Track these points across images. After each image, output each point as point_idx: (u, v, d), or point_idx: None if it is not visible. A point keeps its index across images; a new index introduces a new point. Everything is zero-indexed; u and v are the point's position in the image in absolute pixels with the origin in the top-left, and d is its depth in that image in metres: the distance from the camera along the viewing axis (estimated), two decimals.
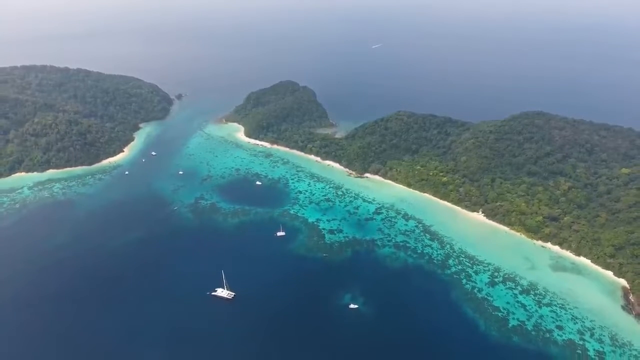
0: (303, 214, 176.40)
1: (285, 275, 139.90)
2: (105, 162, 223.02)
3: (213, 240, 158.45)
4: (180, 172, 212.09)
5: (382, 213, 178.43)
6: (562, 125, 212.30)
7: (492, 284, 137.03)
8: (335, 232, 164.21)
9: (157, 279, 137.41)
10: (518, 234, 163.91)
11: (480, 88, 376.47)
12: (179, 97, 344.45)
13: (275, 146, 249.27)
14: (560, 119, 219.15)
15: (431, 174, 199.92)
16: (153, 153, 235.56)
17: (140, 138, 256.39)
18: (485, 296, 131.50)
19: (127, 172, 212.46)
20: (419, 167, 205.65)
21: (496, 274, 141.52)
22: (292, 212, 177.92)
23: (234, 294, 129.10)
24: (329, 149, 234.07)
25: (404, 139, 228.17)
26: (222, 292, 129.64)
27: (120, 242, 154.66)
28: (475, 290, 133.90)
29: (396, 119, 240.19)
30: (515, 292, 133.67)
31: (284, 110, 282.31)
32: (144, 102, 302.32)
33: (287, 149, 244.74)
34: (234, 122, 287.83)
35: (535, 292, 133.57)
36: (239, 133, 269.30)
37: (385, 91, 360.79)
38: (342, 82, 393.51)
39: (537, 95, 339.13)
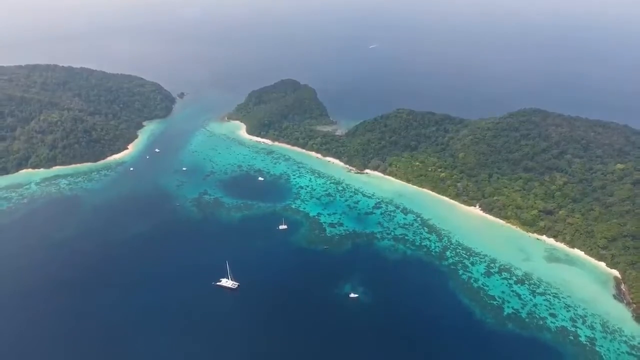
0: (304, 208, 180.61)
1: (287, 267, 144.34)
2: (110, 158, 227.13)
3: (217, 233, 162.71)
4: (184, 169, 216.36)
5: (381, 207, 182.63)
6: (558, 122, 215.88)
7: (488, 274, 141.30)
8: (336, 225, 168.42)
9: (163, 270, 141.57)
10: (514, 227, 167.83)
11: (478, 87, 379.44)
12: (181, 95, 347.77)
13: (276, 143, 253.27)
14: (556, 116, 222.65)
15: (430, 169, 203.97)
16: (157, 150, 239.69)
17: (143, 136, 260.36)
18: (481, 286, 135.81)
19: (131, 169, 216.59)
20: (417, 163, 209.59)
21: (492, 265, 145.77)
22: (293, 206, 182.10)
23: (238, 284, 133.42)
24: (329, 146, 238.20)
25: (403, 135, 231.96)
26: (227, 282, 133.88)
27: (127, 235, 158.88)
28: (472, 281, 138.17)
29: (395, 116, 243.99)
30: (511, 282, 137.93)
31: (285, 108, 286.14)
32: (147, 101, 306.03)
33: (289, 146, 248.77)
34: (236, 120, 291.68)
35: (530, 282, 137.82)
36: (241, 130, 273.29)
37: (383, 90, 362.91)
38: (342, 81, 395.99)
39: (535, 93, 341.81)
